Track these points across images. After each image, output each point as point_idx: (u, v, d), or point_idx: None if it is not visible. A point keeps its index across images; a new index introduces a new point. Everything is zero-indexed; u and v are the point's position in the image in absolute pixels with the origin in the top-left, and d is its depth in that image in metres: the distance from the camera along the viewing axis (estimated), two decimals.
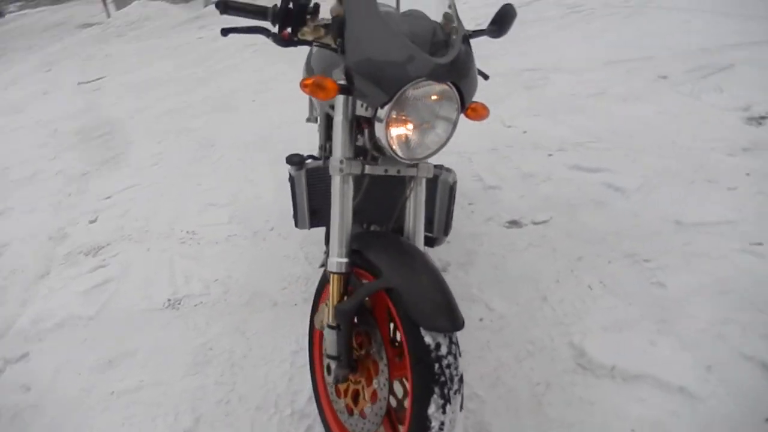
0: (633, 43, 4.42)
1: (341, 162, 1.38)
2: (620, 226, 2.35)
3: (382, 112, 1.29)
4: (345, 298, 1.41)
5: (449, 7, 1.37)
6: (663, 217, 2.35)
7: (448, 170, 1.66)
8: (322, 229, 2.73)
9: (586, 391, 1.67)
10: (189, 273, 2.63)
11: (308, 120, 2.71)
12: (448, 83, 1.28)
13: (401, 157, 1.34)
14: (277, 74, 5.82)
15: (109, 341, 2.27)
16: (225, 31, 1.39)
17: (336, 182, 1.41)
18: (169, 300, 2.47)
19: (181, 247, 2.87)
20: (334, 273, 1.41)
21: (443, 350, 1.25)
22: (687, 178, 2.60)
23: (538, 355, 1.82)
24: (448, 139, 1.35)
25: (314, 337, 1.70)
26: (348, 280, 1.42)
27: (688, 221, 2.29)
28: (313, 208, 1.65)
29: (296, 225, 1.71)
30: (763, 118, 3.00)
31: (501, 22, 1.54)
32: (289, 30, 1.36)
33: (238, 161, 3.83)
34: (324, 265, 1.60)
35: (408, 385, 1.28)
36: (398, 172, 1.42)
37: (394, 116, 1.28)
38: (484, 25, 1.54)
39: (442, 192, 1.64)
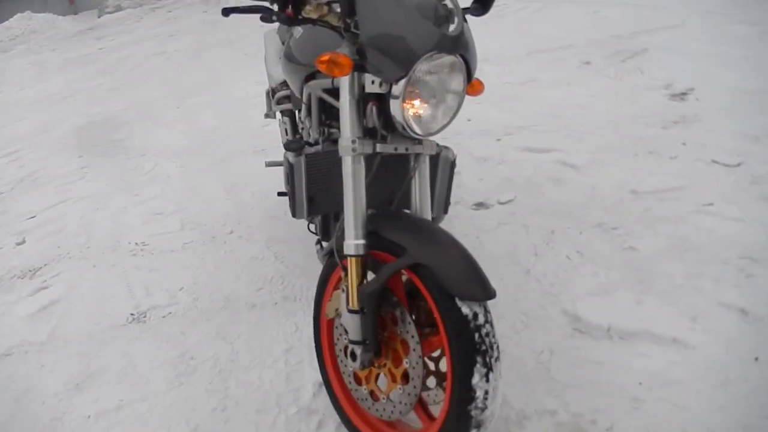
0: (550, 34, 4.66)
1: (353, 142, 1.35)
2: (582, 199, 2.47)
3: (397, 87, 1.28)
4: (364, 280, 1.39)
5: None
6: (619, 187, 2.50)
7: (446, 147, 1.67)
8: (288, 228, 2.70)
9: (589, 353, 1.73)
10: (149, 284, 2.47)
11: (267, 115, 2.63)
12: (457, 55, 1.29)
13: (416, 133, 1.34)
14: (197, 81, 5.60)
15: (72, 364, 2.08)
16: (226, 11, 1.33)
17: (347, 163, 1.38)
18: (132, 314, 2.30)
19: (133, 260, 2.69)
20: (351, 256, 1.38)
21: (481, 319, 1.25)
22: (630, 151, 2.78)
23: (534, 325, 1.87)
24: (457, 112, 1.36)
25: (321, 327, 1.65)
26: (366, 262, 1.39)
27: (642, 190, 2.45)
28: (310, 196, 1.61)
29: (293, 215, 1.65)
30: (684, 94, 3.26)
31: (483, 1, 1.57)
32: (290, 9, 1.32)
33: (178, 169, 3.64)
34: (328, 252, 1.56)
35: (446, 359, 1.27)
36: (406, 149, 1.41)
37: (410, 90, 1.28)
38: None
39: (443, 169, 1.65)
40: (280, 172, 3.17)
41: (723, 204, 2.25)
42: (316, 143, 1.61)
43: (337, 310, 1.50)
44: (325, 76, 1.56)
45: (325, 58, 1.25)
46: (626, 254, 2.10)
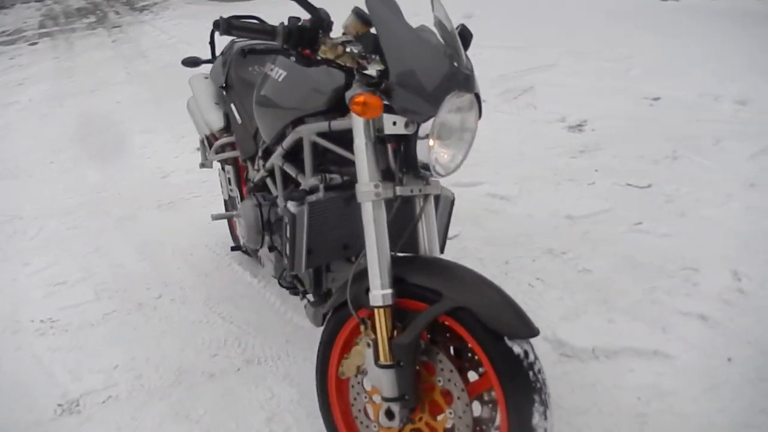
0: None
1: (377, 186, 1.29)
2: (523, 228, 2.57)
3: (425, 127, 1.24)
4: (395, 332, 1.31)
5: (447, 22, 1.38)
6: (553, 214, 2.65)
7: (444, 187, 1.65)
8: (226, 284, 2.49)
9: (582, 376, 1.78)
10: (73, 367, 2.13)
11: (203, 165, 2.43)
12: (473, 93, 1.30)
13: (438, 173, 1.31)
14: (66, 132, 5.06)
15: None
16: (243, 53, 1.23)
17: (368, 209, 1.30)
18: (60, 405, 1.96)
19: (43, 340, 2.30)
20: (380, 307, 1.29)
21: (531, 356, 1.23)
22: (551, 180, 2.97)
23: None
24: (470, 149, 1.36)
25: (329, 389, 1.51)
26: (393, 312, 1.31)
27: (576, 215, 2.61)
28: (309, 247, 1.49)
29: (291, 269, 1.51)
30: (580, 125, 3.58)
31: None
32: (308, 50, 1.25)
33: (71, 230, 3.23)
34: (336, 305, 1.45)
35: (500, 401, 1.23)
36: (420, 191, 1.38)
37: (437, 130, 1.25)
38: None
39: (443, 208, 1.62)
40: (203, 227, 2.98)
41: (650, 222, 2.47)
42: (308, 191, 1.50)
43: (358, 367, 1.39)
44: (317, 119, 1.48)
45: (360, 99, 1.19)
46: (582, 276, 2.22)
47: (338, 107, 1.46)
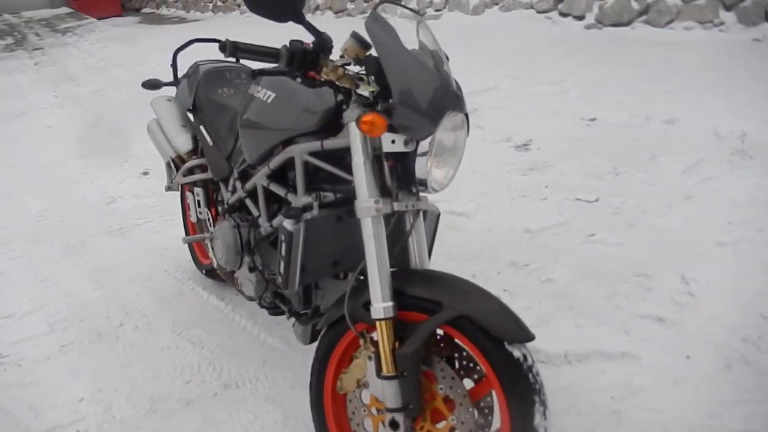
0: None
1: (377, 202, 1.33)
2: (485, 243, 2.68)
3: (424, 144, 1.30)
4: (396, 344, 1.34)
5: (435, 45, 1.45)
6: (512, 228, 2.77)
7: (430, 203, 1.71)
8: (192, 309, 2.43)
9: (558, 380, 1.86)
10: (33, 403, 2.00)
11: (168, 188, 2.37)
12: (464, 113, 1.37)
13: (433, 188, 1.37)
14: None
15: None
16: (254, 73, 1.25)
17: (368, 224, 1.34)
18: None
19: None
20: (382, 320, 1.33)
21: (530, 360, 1.29)
22: (506, 196, 3.11)
23: None
24: (458, 166, 1.43)
25: (325, 406, 1.52)
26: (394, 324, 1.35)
27: (533, 228, 2.74)
28: (303, 265, 1.50)
29: (285, 287, 1.52)
30: (526, 144, 3.76)
31: None
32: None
33: (13, 261, 3.04)
34: (333, 321, 1.47)
35: (501, 404, 1.28)
36: (413, 206, 1.43)
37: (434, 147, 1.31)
38: None
39: (429, 223, 1.67)
40: (160, 252, 2.90)
41: (602, 233, 2.63)
42: (301, 209, 1.51)
43: (358, 381, 1.41)
44: (309, 139, 1.51)
45: (369, 119, 1.24)
46: (547, 286, 2.33)
47: (329, 127, 1.50)
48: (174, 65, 2.38)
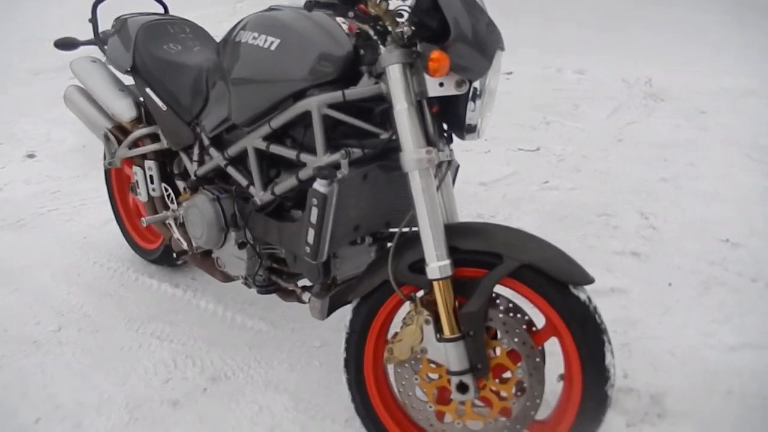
0: None
1: (428, 152, 1.22)
2: None
3: (477, 85, 1.21)
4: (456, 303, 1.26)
5: None
6: (467, 182, 2.74)
7: None
8: (144, 301, 2.15)
9: None
10: None
11: (110, 164, 2.01)
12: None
13: (478, 134, 1.29)
14: None
15: None
16: (310, 5, 1.06)
17: (416, 178, 1.23)
18: None
19: None
20: (439, 279, 1.24)
21: (593, 301, 1.28)
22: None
23: None
24: None
25: (367, 381, 1.40)
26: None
27: (488, 181, 2.75)
28: (333, 231, 1.35)
29: (314, 258, 1.34)
30: None
31: None
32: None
33: None
34: (374, 288, 1.35)
35: (569, 347, 1.25)
36: (448, 156, 1.34)
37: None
38: None
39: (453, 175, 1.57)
40: (80, 242, 2.53)
41: (555, 180, 2.71)
42: (333, 168, 1.33)
43: (412, 348, 1.31)
44: (325, 90, 1.33)
45: (437, 56, 1.11)
46: None
47: (346, 75, 1.34)
48: (94, 20, 2.03)
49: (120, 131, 1.97)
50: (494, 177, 2.78)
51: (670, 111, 3.24)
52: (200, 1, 5.82)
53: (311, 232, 1.32)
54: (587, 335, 1.24)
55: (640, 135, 3.04)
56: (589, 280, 1.26)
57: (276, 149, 1.45)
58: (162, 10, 2.19)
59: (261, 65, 1.41)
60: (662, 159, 2.78)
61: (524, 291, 1.27)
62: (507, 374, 1.31)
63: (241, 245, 1.63)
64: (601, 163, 2.81)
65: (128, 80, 2.02)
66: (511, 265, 1.23)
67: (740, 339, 1.77)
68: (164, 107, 1.81)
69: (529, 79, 3.92)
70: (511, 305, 1.33)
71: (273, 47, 1.38)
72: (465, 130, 1.27)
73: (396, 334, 1.34)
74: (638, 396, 1.61)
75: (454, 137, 1.37)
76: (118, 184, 2.43)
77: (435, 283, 1.24)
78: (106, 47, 2.00)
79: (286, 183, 1.45)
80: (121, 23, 1.98)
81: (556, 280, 1.24)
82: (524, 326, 1.30)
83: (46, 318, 2.11)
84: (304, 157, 1.38)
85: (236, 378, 1.80)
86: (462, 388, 1.26)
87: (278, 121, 1.41)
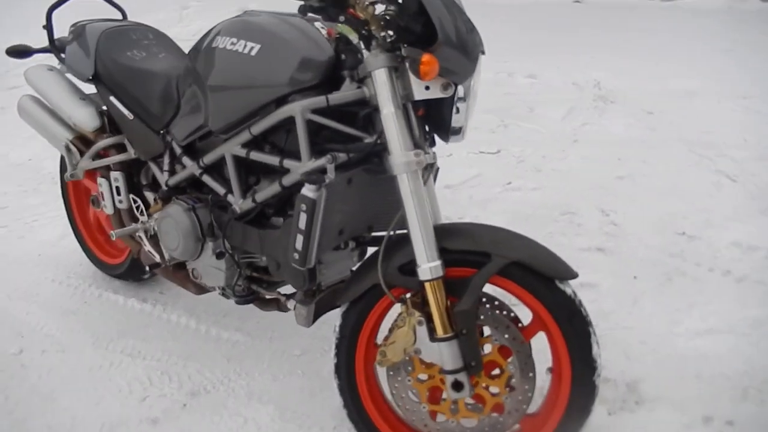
0: None
1: (417, 155, 1.23)
2: None
3: (462, 88, 1.24)
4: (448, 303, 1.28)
5: None
6: None
7: None
8: (110, 317, 2.07)
9: None
10: None
11: (72, 176, 1.93)
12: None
13: (462, 136, 1.32)
14: None
15: None
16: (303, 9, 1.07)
17: (405, 180, 1.25)
18: None
19: None
20: (430, 280, 1.25)
21: (578, 295, 1.32)
22: None
23: None
24: None
25: (360, 388, 1.40)
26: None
27: (453, 183, 2.78)
28: (319, 238, 1.34)
29: (303, 264, 1.33)
30: None
31: None
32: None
33: None
34: (364, 291, 1.35)
35: (558, 340, 1.29)
36: (432, 158, 1.36)
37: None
38: None
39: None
40: (34, 261, 2.42)
41: (517, 180, 2.77)
42: (321, 173, 1.31)
43: (405, 350, 1.31)
44: (308, 96, 1.32)
45: (428, 59, 1.13)
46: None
47: (328, 80, 1.34)
48: (48, 26, 1.95)
49: (82, 142, 1.90)
50: (459, 180, 2.82)
51: (621, 112, 3.39)
52: (146, 7, 5.68)
53: (299, 238, 1.31)
54: (575, 328, 1.28)
55: (595, 135, 3.16)
56: (574, 275, 1.30)
57: (257, 156, 1.43)
58: (120, 16, 2.13)
59: (241, 71, 1.39)
60: (617, 158, 2.89)
61: (512, 288, 1.30)
62: (497, 371, 1.34)
63: (219, 255, 1.60)
64: (559, 163, 2.90)
65: (88, 89, 1.96)
66: (500, 262, 1.26)
67: (704, 325, 1.87)
68: (131, 116, 1.76)
69: (482, 83, 3.99)
70: (496, 303, 1.36)
71: (253, 52, 1.36)
72: (450, 132, 1.30)
73: (387, 337, 1.34)
74: (615, 385, 1.67)
75: (437, 140, 1.39)
76: (75, 198, 2.33)
77: (427, 284, 1.26)
78: (63, 55, 1.93)
79: (267, 190, 1.44)
80: (79, 30, 1.91)
81: (542, 275, 1.28)
82: (512, 322, 1.33)
83: (4, 340, 2.01)
84: (288, 163, 1.37)
85: (217, 391, 1.75)
86: (457, 386, 1.28)
87: (259, 127, 1.39)
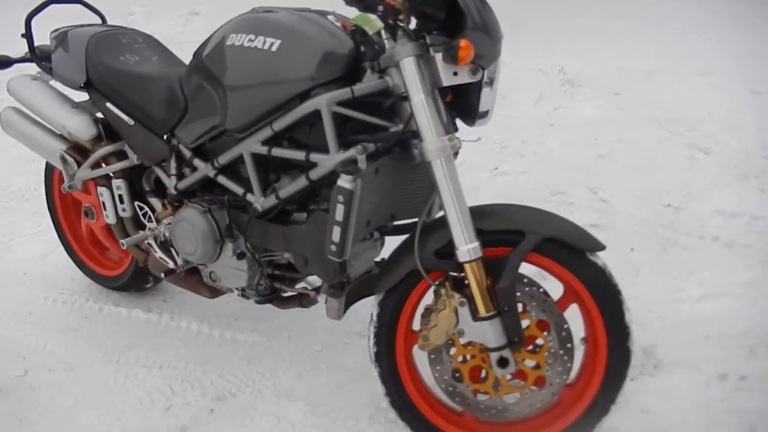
0: None
1: (450, 139, 1.26)
2: None
3: (489, 72, 1.27)
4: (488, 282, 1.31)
5: None
6: None
7: None
8: (114, 328, 2.02)
9: None
10: None
11: (71, 188, 1.85)
12: None
13: (485, 121, 1.36)
14: None
15: None
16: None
17: (439, 166, 1.27)
18: None
19: None
20: (470, 261, 1.28)
21: (607, 265, 1.37)
22: None
23: None
24: None
25: (402, 375, 1.42)
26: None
27: None
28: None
29: (340, 256, 1.32)
30: None
31: None
32: None
33: None
34: (402, 278, 1.37)
35: (591, 311, 1.34)
36: (459, 144, 1.38)
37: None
38: None
39: None
40: (21, 279, 2.32)
41: (504, 165, 2.84)
42: (356, 163, 1.31)
43: (447, 332, 1.34)
44: (330, 89, 1.32)
45: (466, 44, 1.15)
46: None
47: (350, 72, 1.35)
48: (28, 34, 1.87)
49: (77, 151, 1.83)
50: None
51: (589, 95, 3.50)
52: (151, 13, 5.55)
53: (336, 230, 1.31)
54: (608, 297, 1.33)
55: (569, 118, 3.26)
56: (602, 247, 1.36)
57: (279, 152, 1.42)
58: (99, 21, 2.06)
59: (262, 67, 1.38)
60: (593, 138, 3.00)
61: (545, 263, 1.35)
62: (538, 343, 1.38)
63: (240, 255, 1.58)
64: (540, 147, 2.98)
65: (77, 96, 1.89)
66: (534, 240, 1.31)
67: (703, 290, 1.97)
68: (131, 121, 1.71)
69: None
70: (525, 280, 1.40)
71: (274, 48, 1.35)
72: (478, 116, 1.33)
73: (426, 321, 1.37)
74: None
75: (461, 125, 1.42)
76: (63, 211, 2.24)
77: (467, 266, 1.28)
78: (46, 63, 1.85)
79: (292, 185, 1.43)
80: (62, 36, 1.84)
81: (574, 249, 1.32)
82: (546, 296, 1.38)
83: (5, 363, 1.92)
84: (315, 156, 1.37)
85: (243, 394, 1.74)
86: (502, 362, 1.31)
87: (282, 122, 1.38)
